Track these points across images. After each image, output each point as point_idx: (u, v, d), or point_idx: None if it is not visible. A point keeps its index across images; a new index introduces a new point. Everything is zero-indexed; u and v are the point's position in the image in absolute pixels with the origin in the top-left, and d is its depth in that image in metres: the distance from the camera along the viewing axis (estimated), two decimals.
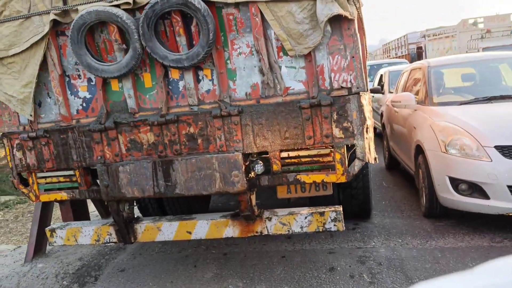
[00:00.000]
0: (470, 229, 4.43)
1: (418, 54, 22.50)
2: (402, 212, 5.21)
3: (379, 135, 9.44)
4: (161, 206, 5.03)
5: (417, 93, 5.82)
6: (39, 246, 4.80)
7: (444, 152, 4.34)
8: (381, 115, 8.31)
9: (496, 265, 0.48)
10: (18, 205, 9.36)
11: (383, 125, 7.99)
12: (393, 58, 25.43)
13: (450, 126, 4.46)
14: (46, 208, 4.88)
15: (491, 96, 5.05)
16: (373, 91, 9.53)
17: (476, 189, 4.15)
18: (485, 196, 4.08)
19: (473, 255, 3.86)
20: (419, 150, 4.95)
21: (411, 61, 12.03)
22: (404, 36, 28.00)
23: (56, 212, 6.28)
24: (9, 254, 5.27)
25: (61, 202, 4.55)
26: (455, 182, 4.25)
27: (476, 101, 5.07)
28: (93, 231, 3.84)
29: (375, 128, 10.13)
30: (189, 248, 4.76)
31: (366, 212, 4.95)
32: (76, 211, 4.99)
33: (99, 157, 3.51)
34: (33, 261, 4.62)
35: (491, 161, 4.01)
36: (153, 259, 4.58)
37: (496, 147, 4.01)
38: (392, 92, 8.12)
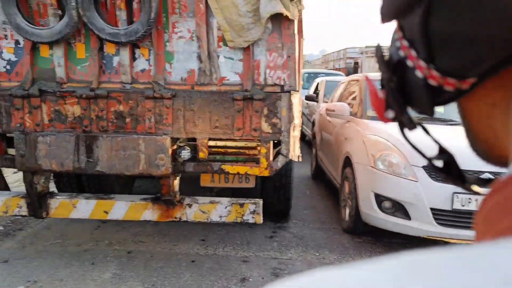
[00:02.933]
0: (387, 248, 4.36)
1: (355, 69, 22.96)
2: (323, 223, 5.05)
3: (308, 143, 9.38)
4: (80, 185, 4.74)
5: (352, 105, 5.73)
6: None
7: (372, 167, 4.22)
8: (313, 123, 8.21)
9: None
10: None
11: (313, 134, 7.88)
12: (331, 69, 25.85)
13: (381, 141, 4.35)
14: None
15: (423, 117, 5.03)
16: (308, 98, 9.47)
17: (399, 208, 4.05)
18: (407, 216, 3.99)
19: None
20: (348, 162, 4.82)
21: (347, 75, 12.15)
22: (344, 49, 28.50)
23: None
24: None
25: None
26: (380, 199, 4.13)
27: None
28: (1, 202, 3.56)
29: (304, 135, 10.11)
30: (90, 241, 4.25)
31: (284, 209, 4.96)
32: None
33: (17, 125, 3.34)
34: None
35: (417, 181, 3.93)
36: (45, 250, 4.03)
37: (424, 167, 3.90)
38: (326, 102, 8.04)
